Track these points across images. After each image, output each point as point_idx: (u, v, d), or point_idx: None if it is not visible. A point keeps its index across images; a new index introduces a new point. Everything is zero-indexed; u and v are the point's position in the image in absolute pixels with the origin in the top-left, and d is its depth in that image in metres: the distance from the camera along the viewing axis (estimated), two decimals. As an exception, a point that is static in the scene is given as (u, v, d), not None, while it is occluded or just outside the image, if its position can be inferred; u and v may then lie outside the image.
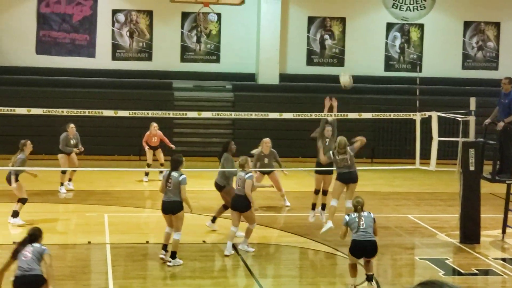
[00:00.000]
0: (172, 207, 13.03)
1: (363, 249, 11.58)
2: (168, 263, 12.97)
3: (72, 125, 19.32)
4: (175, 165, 13.21)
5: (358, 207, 11.76)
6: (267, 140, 18.00)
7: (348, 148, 14.57)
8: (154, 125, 21.15)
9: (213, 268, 13.26)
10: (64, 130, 19.33)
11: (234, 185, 14.37)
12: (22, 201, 15.70)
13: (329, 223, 14.46)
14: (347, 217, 11.81)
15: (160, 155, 21.15)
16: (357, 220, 11.61)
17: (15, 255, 10.15)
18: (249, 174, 13.78)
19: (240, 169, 13.87)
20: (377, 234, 11.88)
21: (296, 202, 18.44)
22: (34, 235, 10.37)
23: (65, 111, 15.95)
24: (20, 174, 15.69)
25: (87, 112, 16.16)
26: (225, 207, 15.22)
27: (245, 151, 25.45)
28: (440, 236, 15.57)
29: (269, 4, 26.66)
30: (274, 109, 22.78)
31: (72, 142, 19.26)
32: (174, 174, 13.08)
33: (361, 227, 11.55)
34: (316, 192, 16.40)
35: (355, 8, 27.83)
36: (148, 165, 21.07)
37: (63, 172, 18.97)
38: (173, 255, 12.99)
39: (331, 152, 14.81)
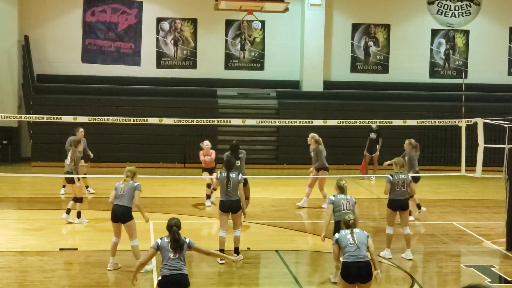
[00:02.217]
0: (235, 206, 13.50)
1: (357, 272, 9.80)
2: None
3: (81, 130, 18.87)
4: (231, 166, 13.70)
5: (350, 222, 10.15)
6: (312, 134, 18.47)
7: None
8: (205, 143, 18.59)
9: (258, 275, 13.27)
10: (73, 134, 18.83)
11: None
12: (80, 200, 16.27)
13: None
14: (337, 235, 10.19)
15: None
16: (348, 237, 10.02)
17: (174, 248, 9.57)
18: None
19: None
20: (373, 253, 10.13)
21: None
22: (177, 226, 9.72)
23: (110, 119, 16.13)
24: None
25: (132, 120, 16.32)
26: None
27: (289, 158, 25.59)
28: (486, 243, 15.41)
29: (313, 11, 26.66)
30: (318, 116, 22.81)
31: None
32: (232, 175, 13.54)
33: (352, 245, 9.92)
34: None
35: (399, 15, 27.71)
36: (208, 186, 18.70)
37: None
38: (237, 251, 13.51)
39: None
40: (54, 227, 16.07)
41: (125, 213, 12.70)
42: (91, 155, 19.53)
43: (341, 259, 10.05)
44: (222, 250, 13.33)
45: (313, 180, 18.41)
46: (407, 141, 17.73)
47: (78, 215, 16.33)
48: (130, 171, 12.91)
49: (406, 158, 17.47)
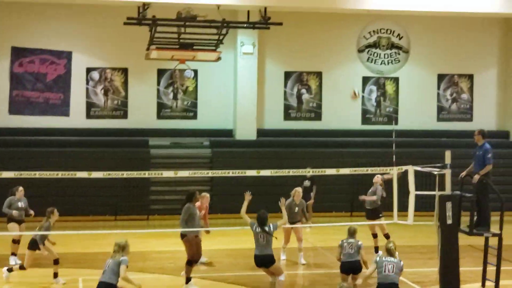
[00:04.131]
0: (268, 261, 13.74)
1: None
2: None
3: (21, 188, 17.96)
4: (264, 221, 13.86)
5: None
6: (298, 189, 18.40)
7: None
8: (205, 195, 18.02)
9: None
10: (12, 194, 17.95)
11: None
12: (56, 261, 15.69)
13: None
14: None
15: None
16: None
17: None
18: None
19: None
20: None
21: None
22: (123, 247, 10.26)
23: (37, 174, 15.67)
24: (45, 239, 15.69)
25: (59, 175, 15.88)
26: (189, 263, 15.31)
27: (223, 208, 25.34)
28: (420, 291, 15.38)
29: (246, 59, 26.70)
30: (252, 164, 22.69)
31: (20, 205, 17.79)
32: (266, 228, 13.74)
33: None
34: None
35: (331, 62, 27.95)
36: None
37: (14, 241, 17.73)
38: None
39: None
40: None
41: None
42: (32, 213, 18.61)
43: None
44: None
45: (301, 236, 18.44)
46: (380, 179, 18.01)
47: (55, 275, 15.78)
48: (118, 245, 12.07)
49: (297, 209, 17.92)
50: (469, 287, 15.60)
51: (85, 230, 21.05)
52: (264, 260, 13.69)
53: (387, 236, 18.16)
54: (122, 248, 12.07)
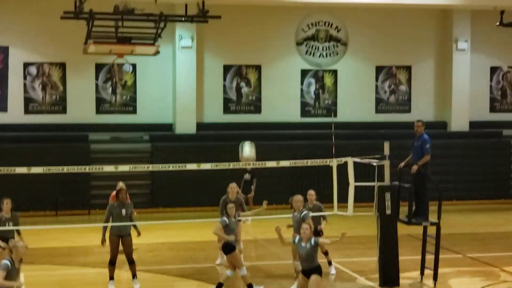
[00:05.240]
0: (227, 248, 14.60)
1: None
2: None
3: None
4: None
5: None
6: (233, 185, 17.43)
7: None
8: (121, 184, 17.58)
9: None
10: None
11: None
12: None
13: None
14: None
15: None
16: None
17: None
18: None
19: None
20: None
21: (216, 253, 18.30)
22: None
23: (-25, 169, 15.46)
24: None
25: (-2, 170, 15.71)
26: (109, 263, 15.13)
27: (164, 201, 25.33)
28: (360, 280, 15.62)
29: (184, 53, 26.64)
30: (192, 158, 22.67)
31: None
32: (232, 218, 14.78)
33: None
34: None
35: (270, 56, 28.04)
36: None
37: None
38: (251, 286, 14.44)
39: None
40: None
41: None
42: None
43: None
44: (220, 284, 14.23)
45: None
46: (314, 194, 16.89)
47: None
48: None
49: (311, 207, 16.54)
50: (408, 276, 15.90)
51: (25, 226, 20.70)
52: (226, 247, 14.47)
53: (326, 253, 17.06)
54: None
